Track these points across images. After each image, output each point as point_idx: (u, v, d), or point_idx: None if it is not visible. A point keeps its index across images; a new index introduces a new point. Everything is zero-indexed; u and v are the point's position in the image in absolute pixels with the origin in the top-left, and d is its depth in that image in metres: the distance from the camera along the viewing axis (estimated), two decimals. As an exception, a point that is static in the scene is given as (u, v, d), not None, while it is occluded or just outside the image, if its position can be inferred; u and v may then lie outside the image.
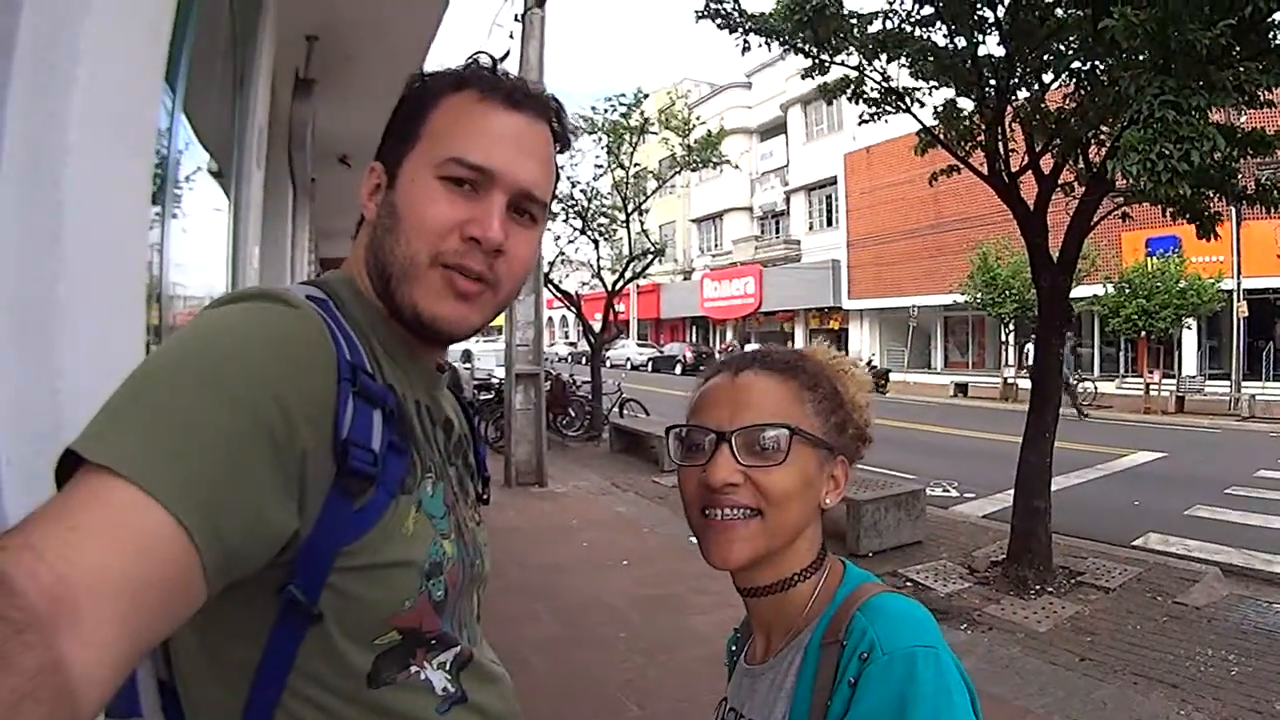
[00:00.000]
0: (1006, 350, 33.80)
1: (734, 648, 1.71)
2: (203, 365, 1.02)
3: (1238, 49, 6.14)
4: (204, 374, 1.00)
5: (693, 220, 61.74)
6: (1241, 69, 6.21)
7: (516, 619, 7.54)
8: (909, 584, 9.02)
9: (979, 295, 32.26)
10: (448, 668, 1.30)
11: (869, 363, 40.18)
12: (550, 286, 22.56)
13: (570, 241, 26.98)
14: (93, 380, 1.35)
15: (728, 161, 27.78)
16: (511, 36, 15.53)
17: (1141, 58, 6.11)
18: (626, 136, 25.11)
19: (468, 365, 28.55)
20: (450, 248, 1.29)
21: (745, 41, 10.11)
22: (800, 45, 10.00)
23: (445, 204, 1.30)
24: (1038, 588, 8.63)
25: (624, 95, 25.30)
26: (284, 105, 7.11)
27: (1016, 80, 9.06)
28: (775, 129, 53.28)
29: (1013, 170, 9.39)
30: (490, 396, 20.03)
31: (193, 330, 1.11)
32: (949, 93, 10.04)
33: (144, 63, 2.08)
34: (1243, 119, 9.58)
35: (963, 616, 7.97)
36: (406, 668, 1.23)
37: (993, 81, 9.04)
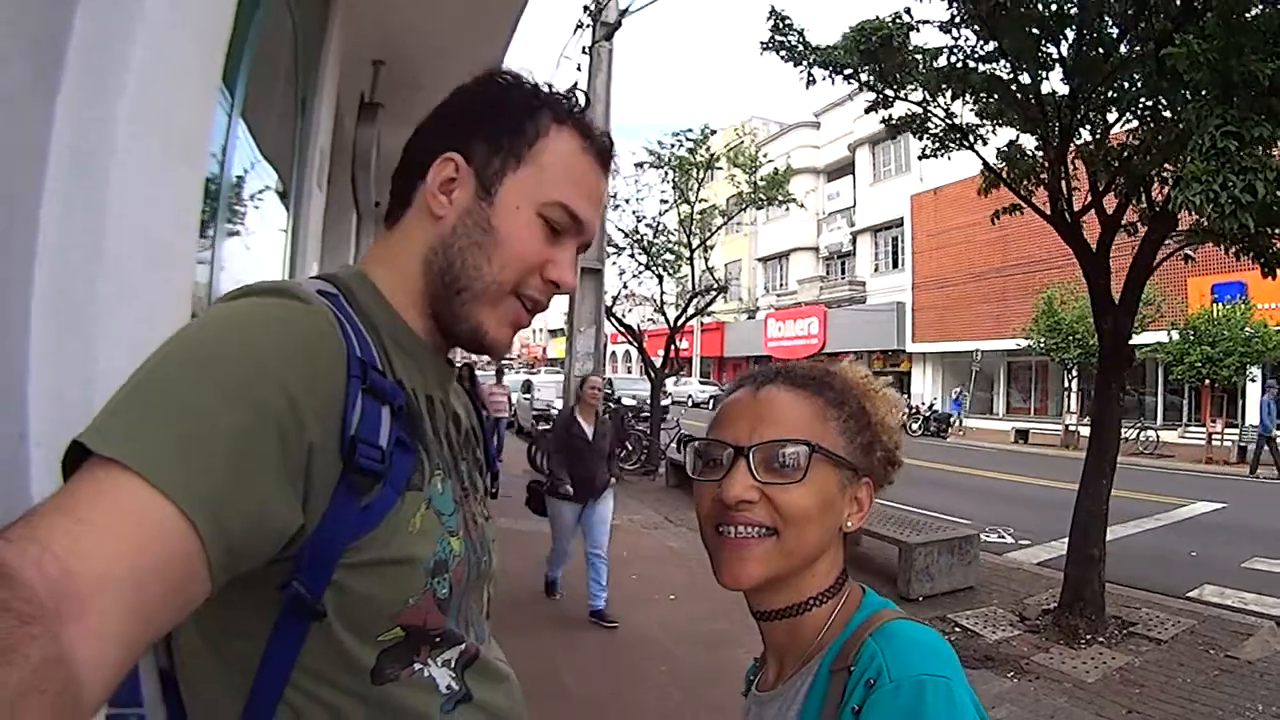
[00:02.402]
0: (1069, 397, 33.27)
1: (752, 677, 1.65)
2: (211, 358, 1.02)
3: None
4: (212, 367, 1.01)
5: (759, 259, 61.57)
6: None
7: (558, 648, 7.57)
8: (957, 629, 8.87)
9: (1043, 340, 31.80)
10: (453, 665, 1.30)
11: (930, 406, 39.84)
12: (613, 320, 22.58)
13: (635, 276, 27.06)
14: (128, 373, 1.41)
15: (793, 200, 27.71)
16: (580, 69, 15.70)
17: (1204, 90, 6.03)
18: (693, 172, 25.13)
19: (528, 395, 28.73)
20: (533, 284, 1.36)
21: (810, 75, 10.07)
22: (864, 80, 9.99)
23: (542, 243, 1.35)
24: (1088, 637, 8.43)
25: (690, 130, 25.36)
26: (349, 128, 7.22)
27: (1080, 118, 8.94)
28: (843, 169, 53.07)
29: (1075, 209, 9.24)
30: (548, 427, 20.08)
31: (202, 324, 1.12)
32: (1012, 133, 9.96)
33: (197, 75, 2.17)
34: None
35: (1010, 664, 7.81)
36: (410, 664, 1.23)
37: (1056, 119, 8.94)
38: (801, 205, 32.75)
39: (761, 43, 10.25)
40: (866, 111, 10.86)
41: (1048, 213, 9.38)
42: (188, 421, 0.94)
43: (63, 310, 1.62)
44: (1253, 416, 28.58)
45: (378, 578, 1.15)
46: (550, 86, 1.42)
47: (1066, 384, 33.11)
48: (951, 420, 38.25)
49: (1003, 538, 14.03)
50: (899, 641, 1.27)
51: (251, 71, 3.64)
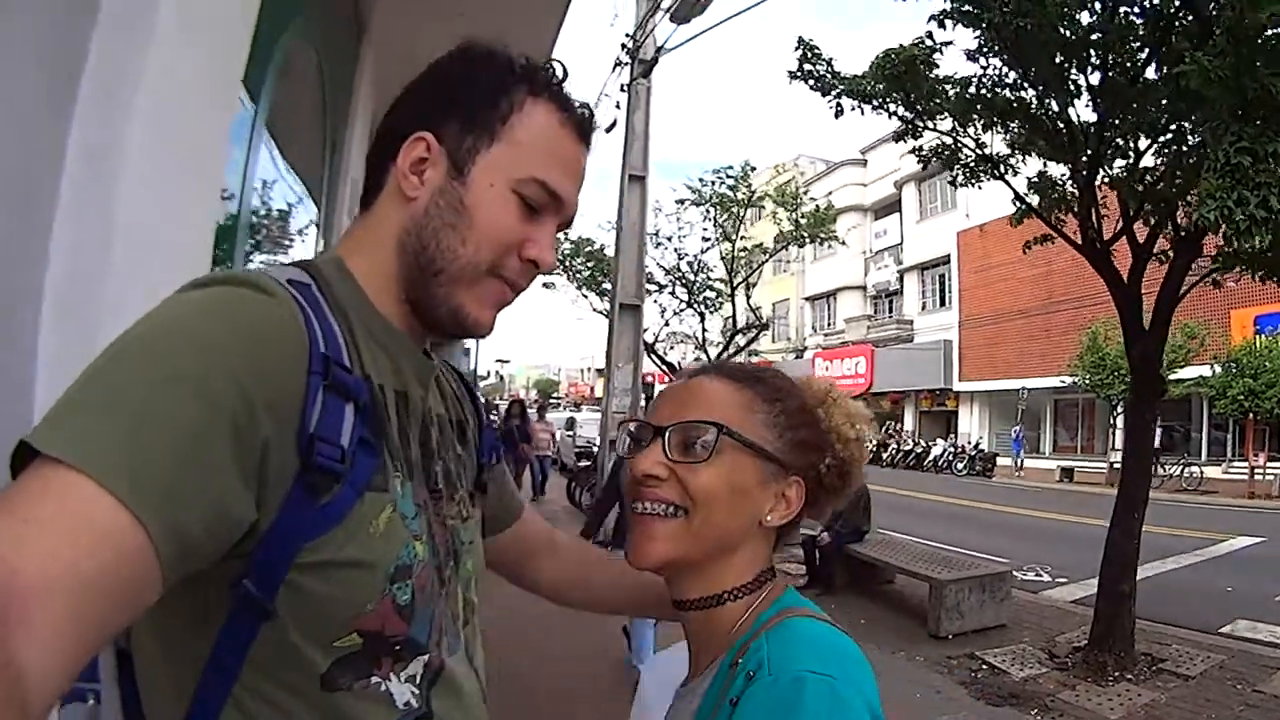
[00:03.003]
0: (1114, 434, 32.46)
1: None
2: (162, 350, 0.99)
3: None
4: (164, 361, 0.98)
5: (806, 298, 61.24)
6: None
7: (578, 675, 7.59)
8: (984, 667, 8.74)
9: (1088, 377, 31.44)
10: (416, 681, 1.25)
11: (976, 445, 39.40)
12: (653, 357, 22.58)
13: (676, 314, 27.11)
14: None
15: (835, 237, 27.68)
16: (619, 106, 15.78)
17: (1219, 108, 5.99)
18: (733, 210, 25.19)
19: (570, 432, 28.68)
20: (511, 263, 1.33)
21: (838, 104, 10.09)
22: (892, 108, 10.00)
23: (518, 221, 1.32)
24: (1117, 674, 8.29)
25: (731, 168, 25.45)
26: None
27: (1108, 145, 8.88)
28: (889, 207, 52.79)
29: (1105, 238, 9.18)
30: (589, 464, 20.04)
31: (156, 315, 1.07)
32: (1042, 163, 9.94)
33: (211, 98, 2.26)
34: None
35: (1035, 702, 7.70)
36: (367, 676, 1.18)
37: (1085, 147, 8.89)
38: (844, 243, 32.69)
39: (789, 72, 10.31)
40: (895, 139, 10.87)
41: (1078, 242, 9.32)
42: (137, 418, 0.92)
43: (70, 314, 1.69)
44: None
45: (331, 580, 1.11)
46: (526, 59, 1.38)
47: (1112, 421, 32.49)
48: (1009, 458, 37.87)
49: (1040, 575, 13.86)
50: (787, 636, 1.27)
51: (274, 99, 3.73)
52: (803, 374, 1.65)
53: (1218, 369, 28.00)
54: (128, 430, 0.90)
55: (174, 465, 0.92)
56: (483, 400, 1.83)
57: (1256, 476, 27.69)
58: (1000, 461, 37.83)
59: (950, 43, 9.26)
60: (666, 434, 1.38)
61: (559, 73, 1.39)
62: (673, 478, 1.36)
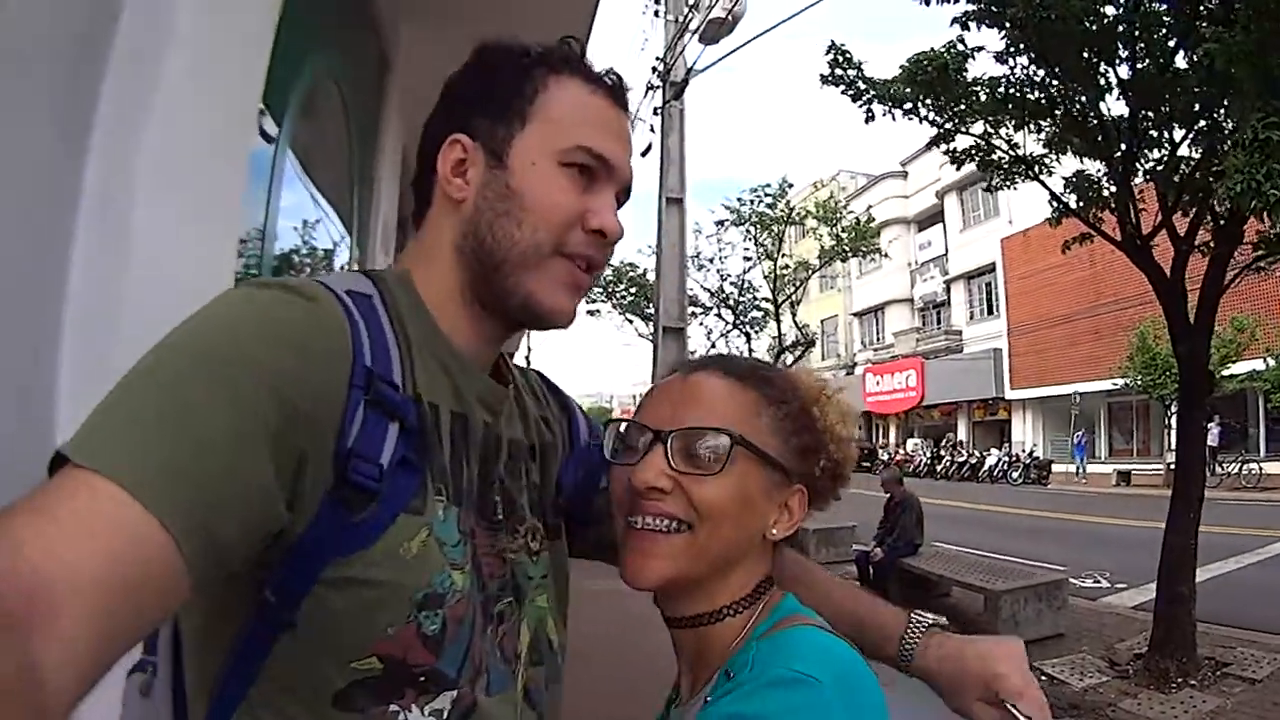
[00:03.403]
0: (1168, 434, 31.70)
1: (672, 701, 1.47)
2: (200, 355, 0.98)
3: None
4: (200, 365, 0.96)
5: (854, 314, 61.08)
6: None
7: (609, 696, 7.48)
8: (1043, 678, 8.47)
9: (1139, 377, 30.98)
10: (443, 716, 1.17)
11: (1030, 453, 38.97)
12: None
13: (723, 335, 27.09)
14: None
15: (877, 250, 27.59)
16: (653, 130, 15.82)
17: (1246, 87, 5.88)
18: (774, 228, 25.16)
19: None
20: (576, 238, 1.27)
21: (869, 110, 10.06)
22: (924, 115, 9.94)
23: (573, 194, 1.27)
24: (1179, 680, 8.06)
25: (768, 186, 25.44)
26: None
27: (1142, 138, 8.76)
28: (933, 218, 52.55)
29: (1144, 233, 9.03)
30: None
31: (198, 319, 1.05)
32: (1077, 161, 9.84)
33: (224, 141, 2.30)
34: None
35: (1096, 713, 7.55)
36: (385, 704, 1.11)
37: (1119, 141, 8.79)
38: (886, 255, 32.55)
39: (821, 76, 10.26)
40: (929, 145, 10.76)
41: (1117, 239, 9.19)
42: (169, 425, 0.91)
43: (86, 353, 1.71)
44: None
45: (355, 598, 1.07)
46: (541, 45, 1.36)
47: (1167, 422, 31.71)
48: (1064, 464, 37.42)
49: (1098, 582, 13.60)
50: (781, 643, 1.20)
51: (297, 136, 3.75)
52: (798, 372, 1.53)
53: (1272, 361, 27.53)
54: (159, 437, 0.89)
55: (206, 471, 0.90)
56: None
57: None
58: (1055, 468, 37.42)
59: (982, 48, 9.20)
60: (669, 440, 1.26)
61: (576, 48, 1.37)
62: (678, 490, 1.24)
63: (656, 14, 16.35)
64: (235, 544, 0.94)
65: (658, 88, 15.97)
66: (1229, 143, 5.84)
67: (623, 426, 1.37)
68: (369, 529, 1.08)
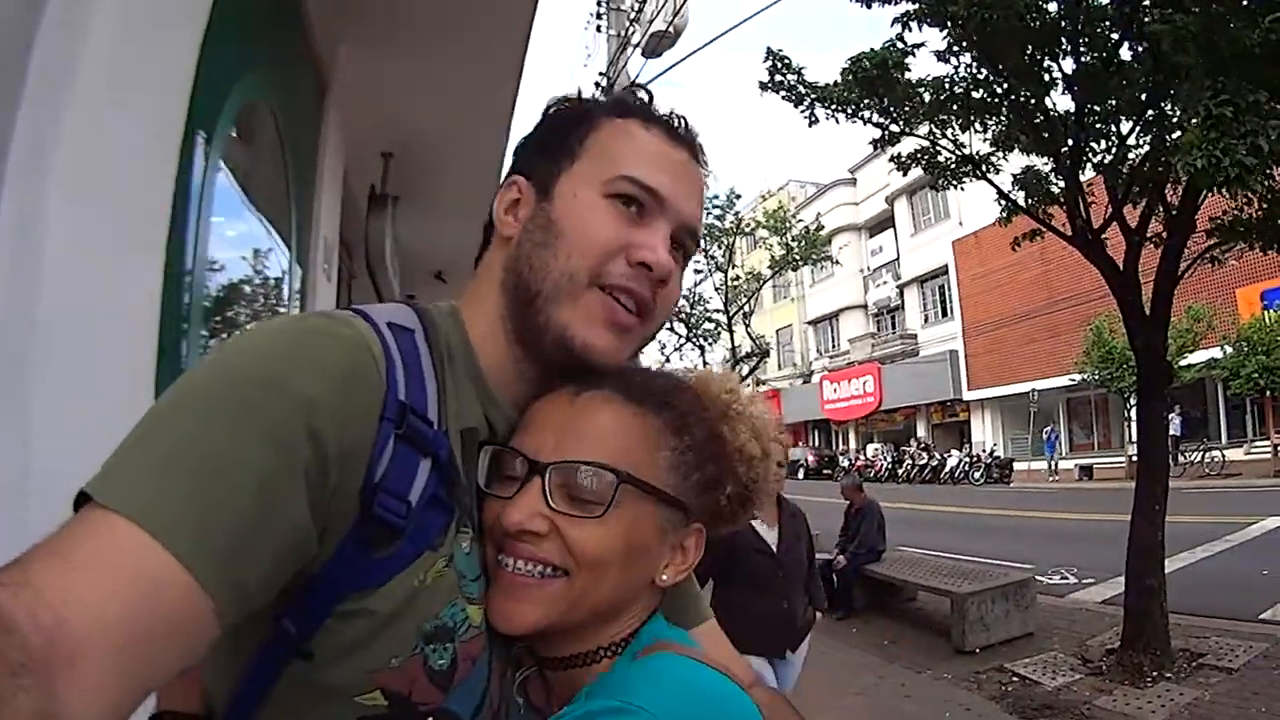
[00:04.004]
0: (1128, 427, 31.92)
1: None
2: (231, 390, 0.94)
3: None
4: (232, 400, 0.93)
5: (808, 322, 61.54)
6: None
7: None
8: (1015, 679, 8.54)
9: (1097, 372, 31.30)
10: None
11: (991, 453, 39.29)
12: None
13: (676, 349, 27.12)
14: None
15: (828, 257, 27.74)
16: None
17: (1194, 70, 5.92)
18: (723, 239, 25.25)
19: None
20: (617, 270, 1.21)
21: (812, 114, 10.10)
22: (868, 116, 9.95)
23: (614, 222, 1.22)
24: (1154, 674, 8.06)
25: (716, 198, 25.53)
26: (363, 219, 7.27)
27: (1089, 132, 8.83)
28: (883, 223, 53.04)
29: (1094, 226, 9.09)
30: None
31: (228, 353, 1.05)
32: (1025, 159, 9.90)
33: (146, 162, 2.24)
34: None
35: (1071, 712, 7.50)
36: None
37: (1065, 136, 8.84)
38: (837, 262, 32.76)
39: (760, 83, 10.30)
40: (873, 147, 10.78)
41: (1068, 234, 9.22)
42: (202, 467, 0.88)
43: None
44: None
45: (360, 626, 1.03)
46: (605, 96, 1.38)
47: (1126, 414, 32.09)
48: (1025, 463, 37.70)
49: (1065, 578, 13.67)
50: (637, 669, 1.11)
51: (229, 159, 3.67)
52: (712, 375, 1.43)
53: (1228, 349, 27.87)
54: (190, 480, 0.87)
55: (239, 519, 0.88)
56: None
57: (1280, 454, 27.27)
58: (1018, 466, 37.78)
59: (922, 44, 9.25)
60: (548, 475, 1.13)
61: (639, 95, 1.36)
62: (554, 533, 1.12)
63: (599, 28, 16.35)
64: (268, 584, 0.93)
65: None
66: (1182, 127, 5.86)
67: (495, 451, 1.22)
68: (389, 565, 1.04)
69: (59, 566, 0.77)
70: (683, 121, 1.35)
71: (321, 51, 5.30)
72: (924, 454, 43.82)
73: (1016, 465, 38.01)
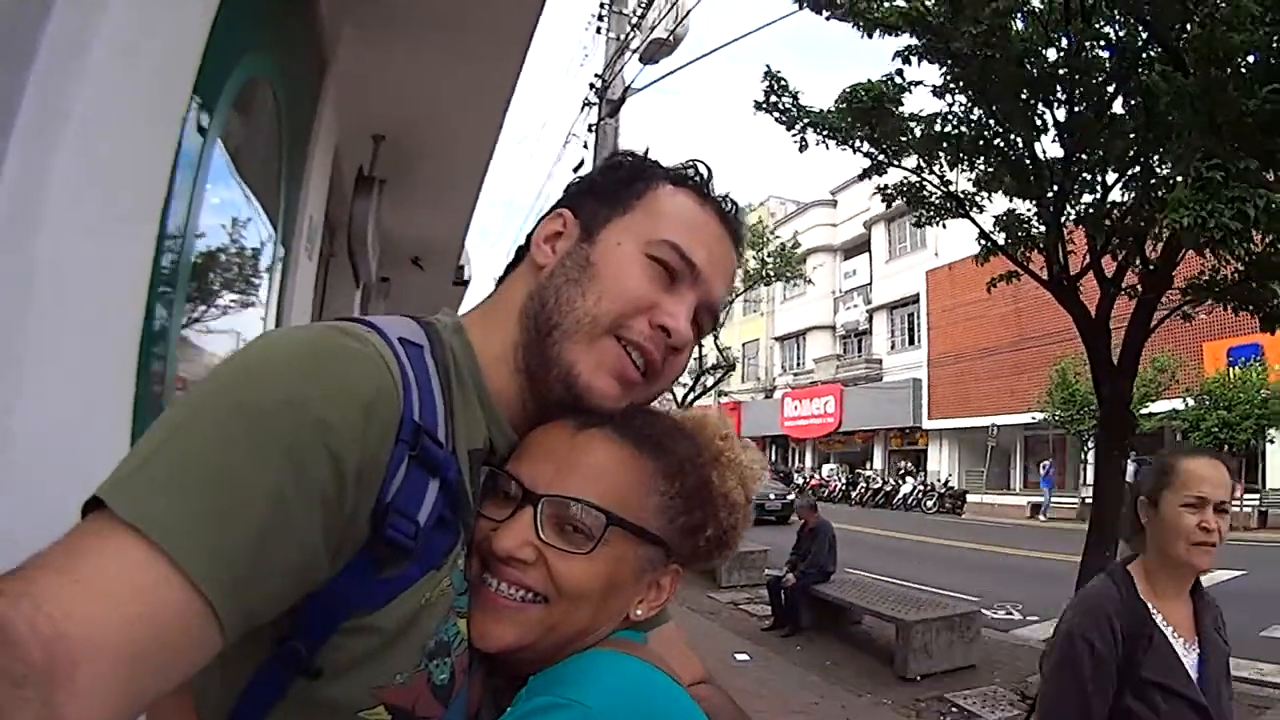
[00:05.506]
0: (1085, 469, 32.41)
1: None
2: (252, 413, 0.93)
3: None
4: (252, 423, 0.92)
5: (775, 338, 61.48)
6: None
7: None
8: (954, 710, 8.60)
9: (1058, 413, 31.61)
10: None
11: (946, 483, 39.50)
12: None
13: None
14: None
15: (802, 276, 27.81)
16: (586, 146, 15.82)
17: (1189, 131, 6.00)
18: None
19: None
20: (638, 326, 1.24)
21: (802, 138, 10.10)
22: (857, 144, 10.00)
23: (648, 281, 1.25)
24: (1094, 716, 8.12)
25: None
26: (348, 200, 7.24)
27: (1075, 180, 8.93)
28: (859, 247, 53.14)
29: (1072, 273, 9.17)
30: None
31: (249, 361, 1.02)
32: (1008, 200, 9.97)
33: (150, 135, 2.25)
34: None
35: (1007, 748, 7.46)
36: None
37: (1051, 182, 8.93)
38: (811, 281, 32.86)
39: (755, 102, 10.33)
40: (861, 176, 10.85)
41: (1044, 278, 9.31)
42: (218, 484, 0.87)
43: None
44: (1274, 480, 28.26)
45: (365, 643, 1.04)
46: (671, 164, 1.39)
47: (1083, 456, 32.49)
48: (978, 494, 38.02)
49: (1010, 614, 13.73)
50: (575, 662, 1.15)
51: (228, 135, 3.66)
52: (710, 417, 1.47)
53: (1190, 401, 28.23)
54: (205, 499, 0.86)
55: (252, 540, 0.87)
56: None
57: (1234, 508, 27.51)
58: (970, 499, 37.84)
59: (919, 83, 9.30)
60: (540, 506, 1.16)
61: (701, 170, 1.38)
62: (540, 562, 1.15)
63: (599, 30, 16.34)
64: (275, 604, 0.93)
65: (594, 104, 15.96)
66: (1168, 184, 5.96)
67: (492, 473, 1.25)
68: (395, 585, 1.05)
69: (64, 577, 0.77)
70: (733, 206, 1.39)
71: (325, 30, 5.27)
72: (878, 478, 44.04)
73: (970, 497, 38.13)
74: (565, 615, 1.16)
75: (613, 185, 1.33)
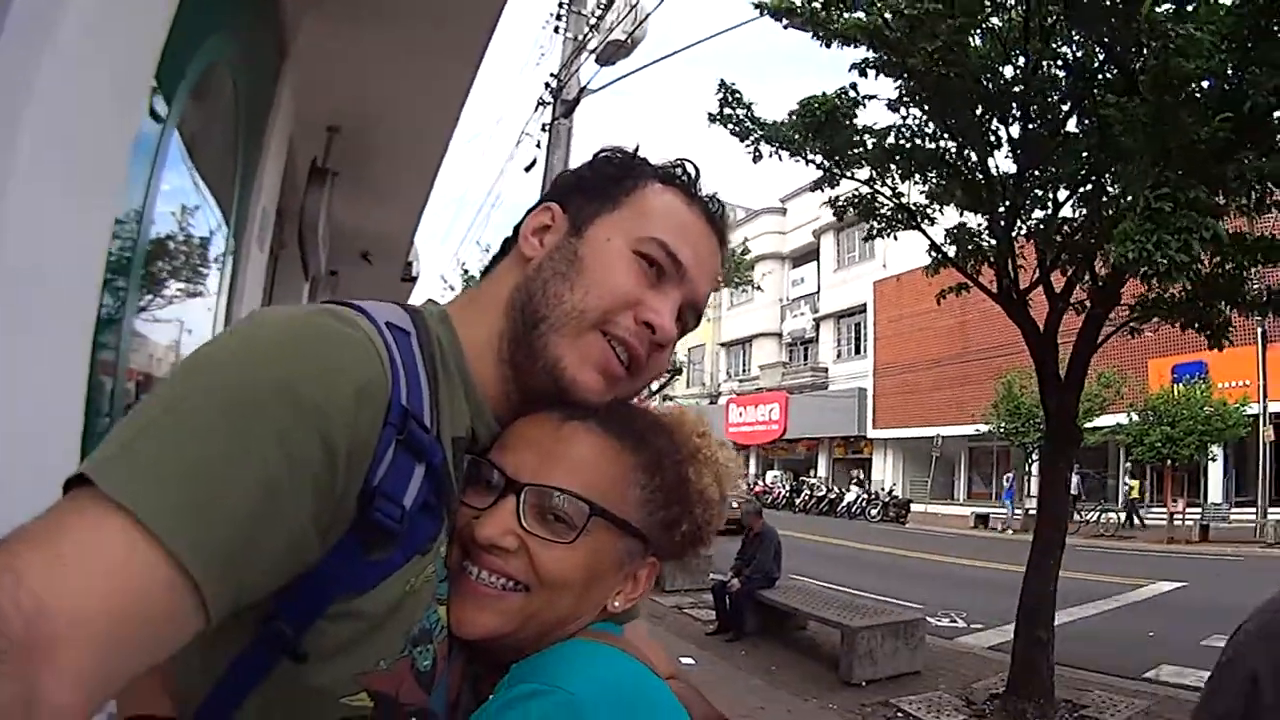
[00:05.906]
0: (1029, 481, 32.93)
1: None
2: (243, 394, 0.93)
3: (1248, 144, 6.14)
4: (243, 405, 0.92)
5: (722, 344, 61.82)
6: (1245, 161, 6.19)
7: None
8: (900, 714, 8.69)
9: (1003, 425, 32.01)
10: None
11: (890, 492, 39.78)
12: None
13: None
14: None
15: (750, 283, 27.89)
16: (539, 146, 15.76)
17: (1141, 156, 6.08)
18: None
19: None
20: (624, 322, 1.26)
21: (756, 150, 10.11)
22: (810, 157, 10.02)
23: (635, 277, 1.27)
24: (1037, 721, 8.22)
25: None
26: (300, 192, 7.17)
27: (1027, 196, 9.06)
28: (807, 255, 53.53)
29: (1021, 287, 9.28)
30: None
31: (237, 348, 1.02)
32: (959, 216, 10.09)
33: (112, 118, 2.22)
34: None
35: (954, 753, 7.56)
36: None
37: (1003, 198, 9.01)
38: (759, 288, 33.00)
39: (709, 114, 10.28)
40: (813, 188, 10.89)
41: (993, 291, 9.40)
42: (208, 465, 0.87)
43: None
44: (1215, 495, 29.02)
45: (349, 628, 1.04)
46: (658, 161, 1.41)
47: (1027, 468, 33.04)
48: (922, 504, 38.49)
49: (954, 622, 13.92)
50: (555, 652, 1.17)
51: (185, 121, 3.61)
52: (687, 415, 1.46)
53: (1134, 416, 28.86)
54: (194, 479, 0.86)
55: (240, 522, 0.87)
56: None
57: (1175, 522, 28.35)
58: (914, 508, 38.20)
59: (874, 96, 9.36)
60: (523, 495, 1.18)
61: (690, 170, 1.41)
62: (522, 550, 1.16)
63: (556, 30, 16.28)
64: (261, 586, 0.93)
65: (549, 104, 15.90)
66: (1117, 208, 6.03)
67: (476, 461, 1.26)
68: (380, 570, 1.05)
69: (47, 553, 0.77)
70: (719, 206, 1.41)
71: (287, 18, 5.23)
72: (821, 486, 44.26)
73: (914, 507, 38.40)
74: (545, 604, 1.18)
75: (602, 181, 1.35)
